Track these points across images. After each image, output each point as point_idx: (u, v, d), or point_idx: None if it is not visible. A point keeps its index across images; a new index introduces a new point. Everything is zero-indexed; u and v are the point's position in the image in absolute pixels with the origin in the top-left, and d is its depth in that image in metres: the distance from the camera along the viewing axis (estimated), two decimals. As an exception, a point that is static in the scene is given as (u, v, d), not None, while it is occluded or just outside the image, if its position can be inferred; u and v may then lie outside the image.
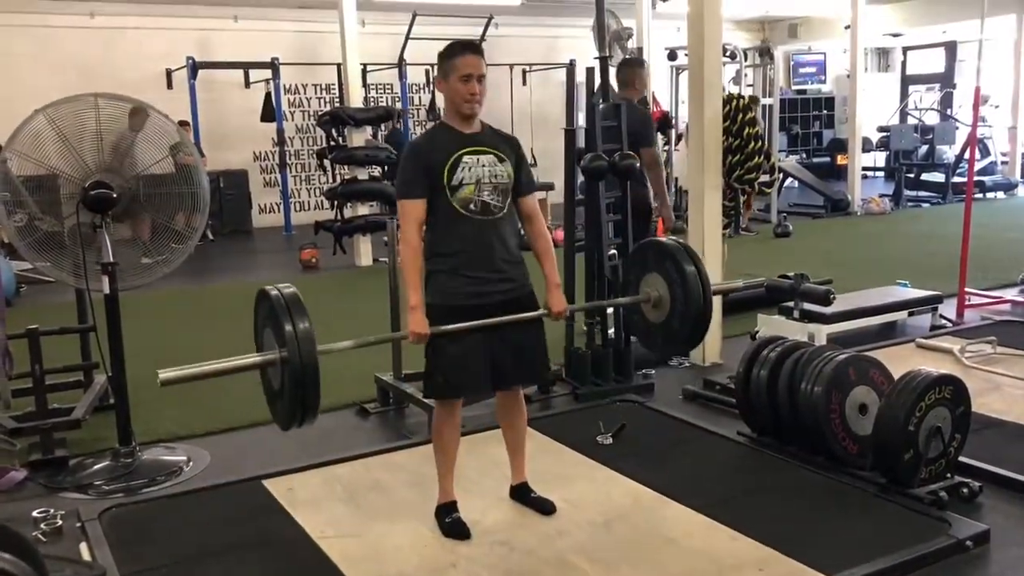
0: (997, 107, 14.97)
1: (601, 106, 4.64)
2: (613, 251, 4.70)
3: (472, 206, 2.93)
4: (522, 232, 3.15)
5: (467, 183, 2.93)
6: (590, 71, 4.73)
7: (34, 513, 3.30)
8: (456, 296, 2.94)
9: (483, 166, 2.96)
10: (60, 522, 3.25)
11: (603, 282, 4.70)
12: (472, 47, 2.98)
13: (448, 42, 3.04)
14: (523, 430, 3.26)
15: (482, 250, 2.96)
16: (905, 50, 18.37)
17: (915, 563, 2.78)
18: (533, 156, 13.83)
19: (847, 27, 13.49)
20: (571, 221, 4.81)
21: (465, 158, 2.94)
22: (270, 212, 13.03)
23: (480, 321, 2.91)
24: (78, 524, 3.23)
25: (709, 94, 4.83)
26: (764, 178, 5.32)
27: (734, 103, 5.18)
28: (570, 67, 4.79)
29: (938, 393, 3.20)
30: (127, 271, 3.84)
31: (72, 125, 3.69)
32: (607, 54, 4.77)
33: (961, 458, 3.33)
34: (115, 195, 3.64)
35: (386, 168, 9.50)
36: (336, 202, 9.29)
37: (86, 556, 3.01)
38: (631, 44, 10.22)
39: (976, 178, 8.79)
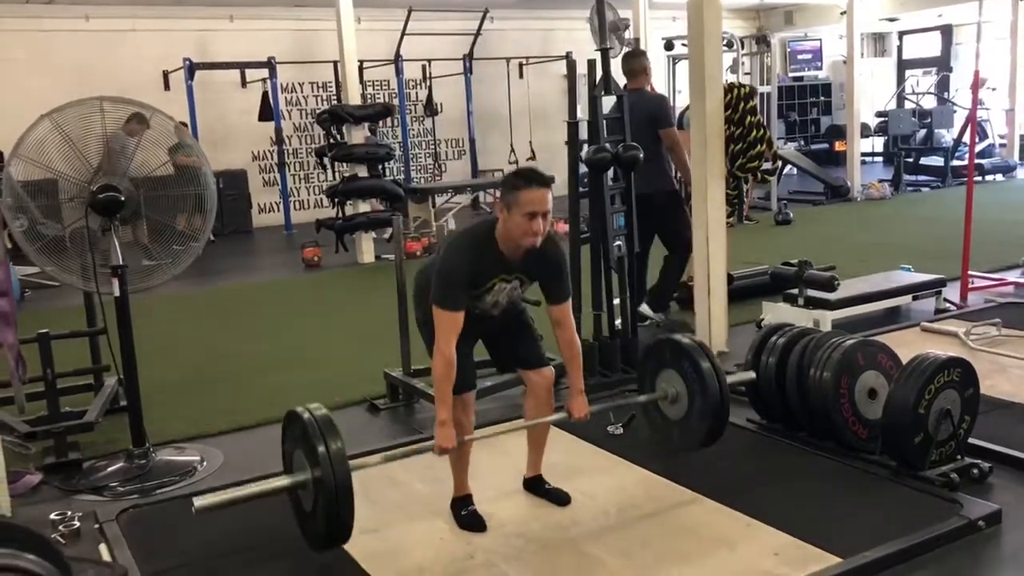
0: (994, 90, 14.98)
1: (612, 96, 4.67)
2: (619, 243, 4.72)
3: (485, 310, 3.05)
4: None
5: (489, 300, 3.02)
6: (591, 63, 4.73)
7: (51, 515, 3.32)
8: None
9: (506, 292, 3.03)
10: (78, 524, 3.27)
11: (608, 275, 4.71)
12: (542, 181, 2.86)
13: (517, 171, 2.97)
14: (546, 425, 3.27)
15: (484, 321, 3.09)
16: (901, 34, 18.37)
17: (929, 544, 2.81)
18: (532, 149, 13.92)
19: (843, 13, 13.50)
20: (575, 214, 4.82)
21: (496, 285, 2.99)
22: (270, 211, 13.04)
23: (499, 427, 3.19)
24: (96, 525, 3.25)
25: (710, 84, 4.84)
26: (767, 166, 5.32)
27: (735, 92, 5.20)
28: (571, 60, 4.78)
29: (947, 376, 3.23)
30: (133, 273, 3.86)
31: (78, 129, 3.70)
32: (607, 45, 4.77)
33: (971, 440, 3.36)
34: (123, 198, 3.65)
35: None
36: (337, 200, 9.30)
37: (105, 557, 3.03)
38: (628, 35, 10.23)
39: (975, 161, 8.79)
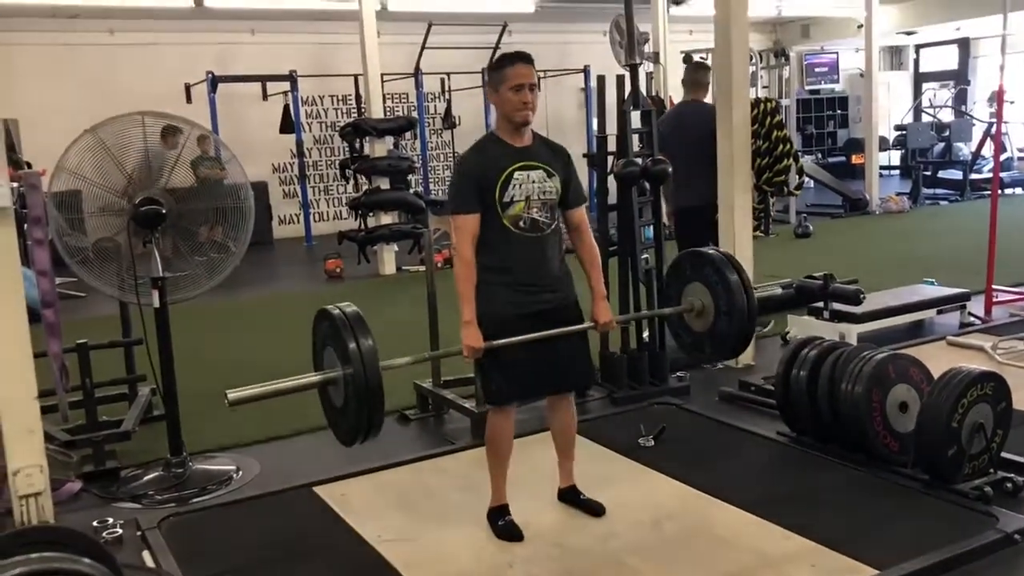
0: (1013, 103, 14.95)
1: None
2: (646, 255, 4.76)
3: (522, 223, 2.99)
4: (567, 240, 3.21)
5: (517, 200, 2.98)
6: (620, 78, 4.78)
7: (93, 523, 3.38)
8: (505, 306, 3.01)
9: (533, 182, 3.00)
10: (120, 531, 3.33)
11: (637, 287, 4.75)
12: (522, 57, 2.99)
13: (501, 54, 3.08)
14: (573, 434, 3.32)
15: (530, 265, 3.03)
16: (917, 48, 18.37)
17: (965, 557, 2.83)
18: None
19: (860, 26, 13.52)
20: (604, 226, 4.87)
21: (516, 174, 2.98)
22: (290, 223, 13.14)
23: (530, 336, 2.97)
24: (138, 533, 3.30)
25: (737, 98, 4.88)
26: (794, 180, 5.36)
27: (762, 106, 5.24)
28: (600, 76, 4.84)
29: (980, 390, 3.25)
30: (171, 284, 3.92)
31: (118, 144, 3.78)
32: (637, 61, 4.83)
33: (1003, 453, 3.37)
34: (164, 211, 3.72)
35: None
36: (359, 212, 9.37)
37: (150, 563, 3.08)
38: (647, 49, 10.30)
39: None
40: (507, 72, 2.96)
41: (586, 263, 3.17)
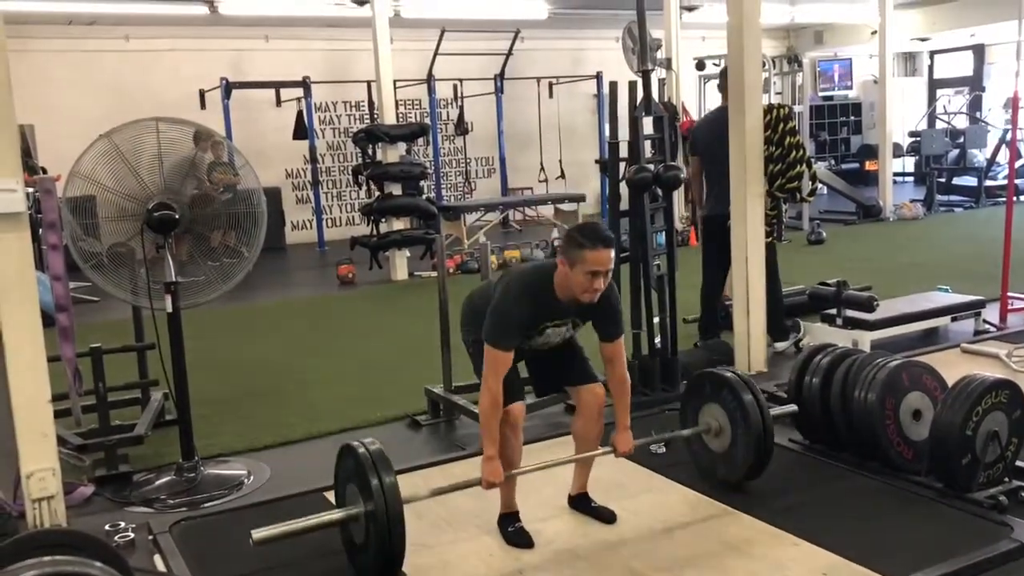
0: (1027, 109, 14.86)
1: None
2: (658, 262, 4.75)
3: (538, 348, 3.14)
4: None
5: (541, 341, 3.10)
6: (633, 85, 4.78)
7: (105, 527, 3.38)
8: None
9: (559, 334, 3.11)
10: (132, 535, 3.34)
11: (649, 294, 4.74)
12: (607, 242, 2.89)
13: (584, 229, 2.97)
14: (597, 441, 3.30)
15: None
16: (932, 54, 18.30)
17: (980, 566, 2.80)
18: (561, 168, 13.99)
19: (873, 32, 13.48)
20: (616, 232, 4.85)
21: (549, 329, 3.07)
22: (302, 229, 13.20)
23: (544, 463, 3.22)
24: (149, 537, 3.31)
25: (750, 104, 4.87)
26: (807, 186, 5.34)
27: (775, 112, 5.22)
28: (612, 82, 4.84)
29: (994, 397, 3.22)
30: (183, 289, 3.94)
31: (133, 150, 3.80)
32: (649, 67, 4.82)
33: (1018, 462, 3.34)
34: (177, 216, 3.74)
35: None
36: (372, 218, 9.40)
37: (161, 568, 3.09)
38: (659, 55, 10.29)
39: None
40: (587, 255, 2.87)
41: (615, 394, 3.20)
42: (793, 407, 3.75)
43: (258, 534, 2.74)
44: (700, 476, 3.61)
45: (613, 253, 2.92)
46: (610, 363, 3.16)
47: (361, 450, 2.83)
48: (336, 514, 2.91)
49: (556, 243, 9.39)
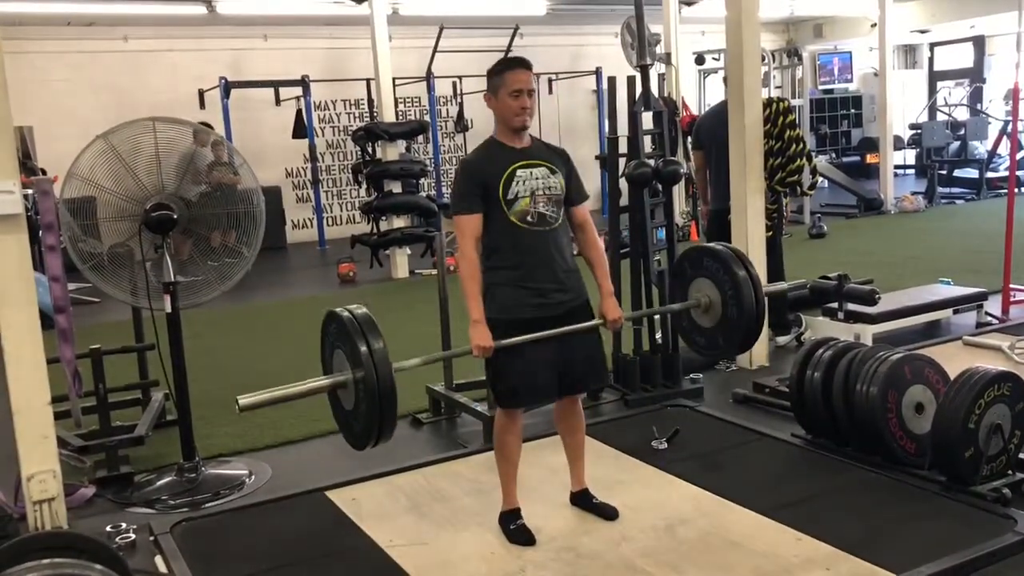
0: (1028, 100, 14.83)
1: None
2: (658, 257, 4.74)
3: (529, 218, 2.99)
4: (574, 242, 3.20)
5: (522, 196, 2.99)
6: (632, 80, 4.77)
7: (107, 528, 3.39)
8: (518, 309, 2.99)
9: (536, 178, 3.02)
10: (133, 536, 3.34)
11: (649, 289, 4.73)
12: (521, 62, 3.02)
13: (499, 59, 3.08)
14: (583, 436, 3.31)
15: (541, 261, 3.01)
16: (932, 46, 18.25)
17: (983, 560, 2.79)
18: (562, 164, 13.97)
19: (873, 25, 13.45)
20: (615, 228, 4.85)
21: (519, 172, 3.00)
22: (303, 228, 13.19)
23: (541, 333, 2.96)
24: (151, 538, 3.31)
25: (749, 98, 4.86)
26: (808, 179, 5.32)
27: (774, 106, 5.20)
28: (611, 77, 4.83)
29: (997, 390, 3.21)
30: (182, 289, 3.93)
31: (130, 150, 3.79)
32: (647, 62, 4.81)
33: (1022, 455, 3.33)
34: (175, 216, 3.73)
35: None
36: (372, 216, 9.38)
37: (162, 569, 3.08)
38: (658, 50, 10.27)
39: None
40: (506, 77, 2.98)
41: (593, 261, 3.17)
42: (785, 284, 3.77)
43: (244, 400, 2.69)
44: (695, 352, 3.58)
45: (531, 74, 2.99)
46: (580, 228, 3.17)
47: (346, 315, 2.74)
48: (325, 380, 2.84)
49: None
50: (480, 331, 2.91)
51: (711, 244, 3.51)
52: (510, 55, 3.07)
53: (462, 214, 2.99)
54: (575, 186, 3.14)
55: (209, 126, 3.84)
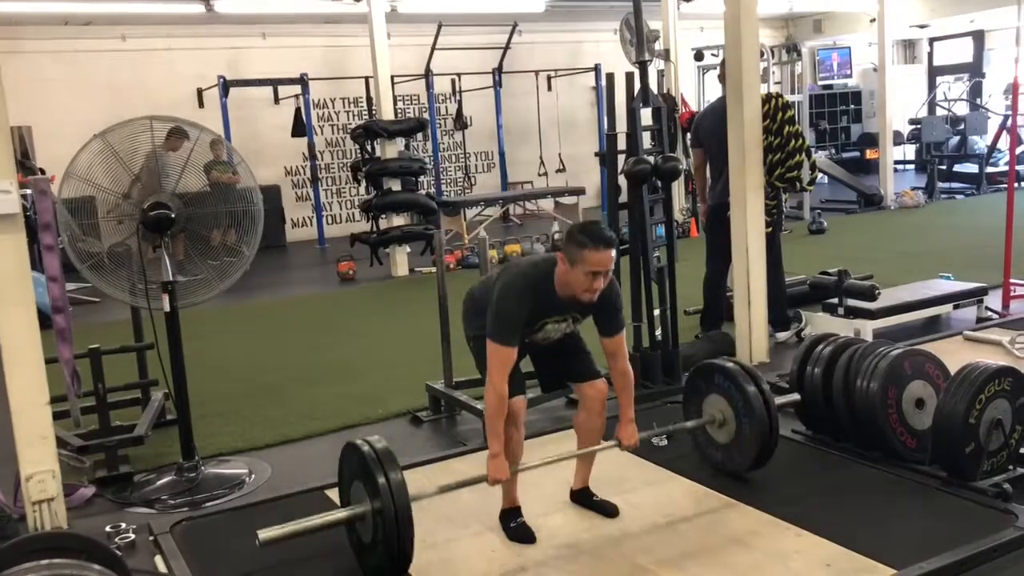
0: (1028, 95, 14.81)
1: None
2: (658, 254, 4.73)
3: (538, 343, 3.13)
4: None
5: (541, 336, 3.09)
6: (629, 76, 4.76)
7: (106, 528, 3.38)
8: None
9: (560, 329, 3.10)
10: (132, 536, 3.34)
11: (649, 286, 4.72)
12: (607, 242, 2.87)
13: (586, 229, 2.93)
14: (599, 436, 3.28)
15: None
16: (931, 41, 18.23)
17: (984, 556, 2.78)
18: (561, 161, 13.96)
19: (872, 20, 13.44)
20: (615, 224, 4.83)
21: (549, 325, 3.06)
22: (302, 226, 13.20)
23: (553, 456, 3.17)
24: (151, 538, 3.30)
25: (748, 94, 4.85)
26: (807, 175, 5.31)
27: (773, 102, 5.18)
28: (609, 74, 4.82)
29: (997, 385, 3.20)
30: (181, 288, 3.92)
31: (128, 149, 3.78)
32: (646, 58, 4.79)
33: (1023, 450, 3.32)
34: (173, 215, 3.72)
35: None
36: (371, 214, 9.38)
37: (162, 569, 3.08)
38: (657, 46, 10.26)
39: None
40: (588, 256, 2.84)
41: (617, 387, 3.19)
42: (796, 396, 3.74)
43: (264, 534, 2.72)
44: (706, 466, 3.60)
45: (614, 253, 2.91)
46: (612, 357, 3.15)
47: (366, 448, 2.81)
48: (343, 513, 2.89)
49: (556, 237, 9.37)
50: (498, 465, 2.93)
51: (720, 361, 3.57)
52: (606, 233, 2.92)
53: (500, 344, 2.92)
54: (611, 320, 3.11)
55: (197, 126, 3.78)
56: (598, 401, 3.20)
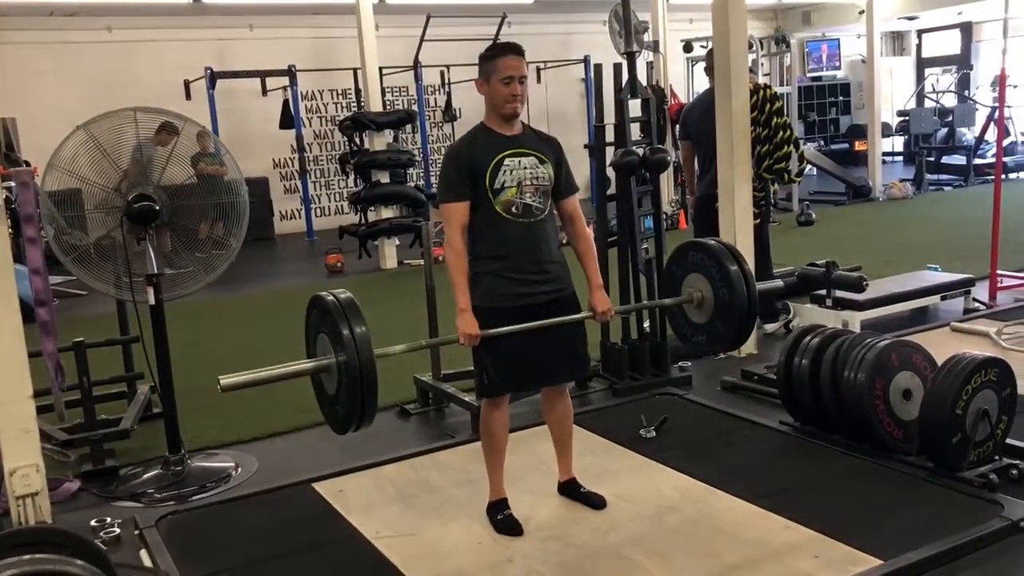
0: (1015, 87, 14.85)
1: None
2: (646, 246, 4.72)
3: (514, 208, 2.96)
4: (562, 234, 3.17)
5: (509, 186, 2.95)
6: (618, 67, 4.74)
7: (91, 522, 3.36)
8: (502, 298, 2.97)
9: (524, 168, 2.98)
10: (118, 530, 3.31)
11: (637, 278, 4.72)
12: (513, 48, 2.97)
13: (488, 44, 3.04)
14: (570, 426, 3.29)
15: (526, 252, 2.99)
16: (920, 33, 18.26)
17: (970, 546, 2.79)
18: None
19: (861, 12, 13.44)
20: (603, 216, 4.83)
21: (507, 161, 2.96)
22: (291, 218, 13.14)
23: (527, 324, 2.94)
24: (136, 532, 3.28)
25: (736, 85, 4.84)
26: (795, 166, 5.31)
27: (761, 93, 5.18)
28: (597, 65, 4.80)
29: (984, 376, 3.21)
30: (166, 281, 3.90)
31: (112, 140, 3.74)
32: (634, 49, 4.78)
33: (1008, 440, 3.34)
34: (158, 207, 3.69)
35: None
36: (360, 206, 9.34)
37: (147, 563, 3.06)
38: (647, 37, 10.24)
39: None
40: (498, 63, 2.93)
41: (581, 253, 3.14)
42: (779, 282, 3.79)
43: (226, 380, 2.66)
44: (686, 346, 3.57)
45: (524, 61, 2.95)
46: (569, 220, 3.14)
47: (330, 299, 2.72)
48: (308, 364, 2.83)
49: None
50: (467, 319, 2.89)
51: (699, 239, 3.50)
52: (507, 42, 3.01)
53: (449, 202, 2.96)
54: (565, 177, 3.10)
55: (183, 118, 3.75)
56: (565, 403, 3.25)
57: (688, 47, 11.97)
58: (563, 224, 3.16)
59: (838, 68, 17.57)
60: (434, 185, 13.31)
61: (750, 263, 4.92)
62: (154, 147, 3.89)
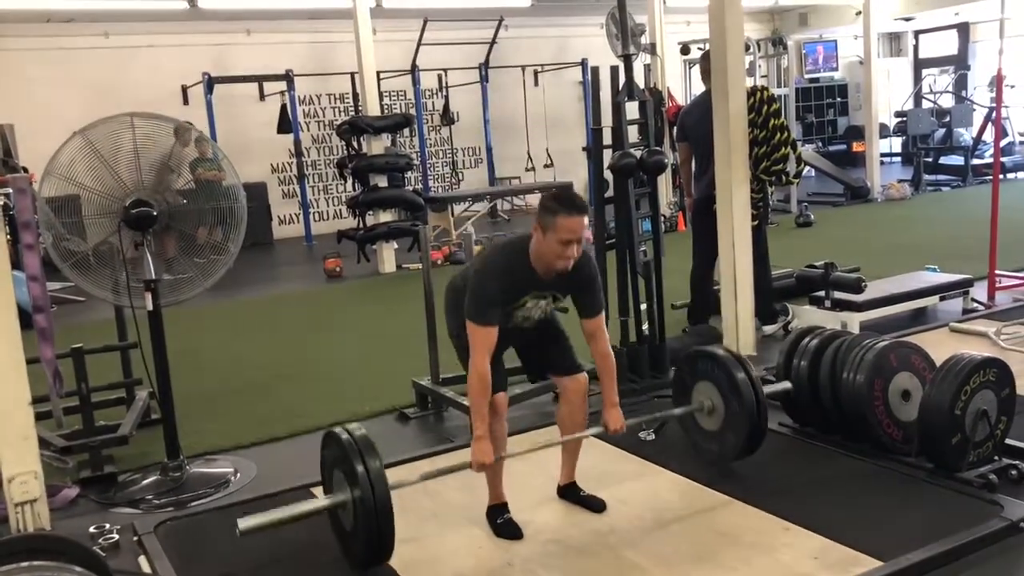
0: (1013, 87, 14.88)
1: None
2: (644, 248, 4.72)
3: (521, 322, 3.08)
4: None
5: (521, 315, 3.06)
6: (614, 69, 4.74)
7: (90, 529, 3.35)
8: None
9: (539, 306, 3.06)
10: (116, 537, 3.30)
11: (636, 281, 4.71)
12: (579, 208, 2.87)
13: (558, 196, 2.93)
14: (580, 420, 3.26)
15: (523, 334, 3.15)
16: (916, 33, 18.29)
17: (970, 546, 2.79)
18: (549, 156, 13.94)
19: (858, 13, 13.47)
20: (601, 218, 4.83)
21: (529, 302, 3.03)
22: (289, 223, 13.14)
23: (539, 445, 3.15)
24: (135, 538, 3.27)
25: (733, 87, 4.83)
26: (793, 168, 5.31)
27: (758, 95, 5.17)
28: (594, 67, 4.81)
29: (983, 376, 3.21)
30: (164, 287, 3.89)
31: (109, 146, 3.74)
32: (631, 51, 4.78)
33: (1008, 440, 3.33)
34: (155, 213, 3.69)
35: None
36: (358, 210, 9.34)
37: (146, 569, 3.05)
38: (643, 40, 10.25)
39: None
40: (559, 222, 2.84)
41: (600, 370, 3.15)
42: (787, 384, 3.73)
43: (244, 523, 2.68)
44: (694, 461, 3.58)
45: (586, 220, 2.91)
46: (592, 339, 3.12)
47: (345, 436, 2.79)
48: (323, 501, 2.87)
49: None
50: (483, 447, 2.89)
51: (706, 348, 3.60)
52: (577, 198, 2.95)
53: (479, 324, 2.90)
54: (590, 300, 3.10)
55: (190, 124, 3.76)
56: (579, 394, 3.19)
57: (685, 49, 11.98)
58: (586, 339, 3.15)
59: (835, 69, 17.60)
60: (432, 188, 13.35)
61: (749, 266, 4.97)
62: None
